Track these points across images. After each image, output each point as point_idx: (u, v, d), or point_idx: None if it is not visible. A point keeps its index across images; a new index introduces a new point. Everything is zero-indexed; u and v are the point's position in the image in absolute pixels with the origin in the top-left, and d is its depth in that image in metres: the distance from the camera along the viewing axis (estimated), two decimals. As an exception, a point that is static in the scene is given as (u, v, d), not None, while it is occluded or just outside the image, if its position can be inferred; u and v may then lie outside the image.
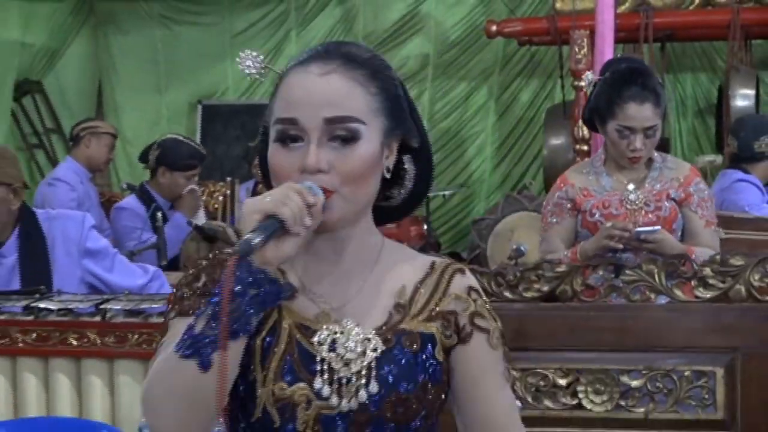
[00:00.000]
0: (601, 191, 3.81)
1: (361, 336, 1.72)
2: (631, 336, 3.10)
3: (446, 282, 1.81)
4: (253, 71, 1.90)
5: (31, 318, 3.43)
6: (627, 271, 3.14)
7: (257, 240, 1.55)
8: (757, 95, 7.41)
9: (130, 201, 5.95)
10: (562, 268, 3.18)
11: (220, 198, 7.25)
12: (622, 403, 3.09)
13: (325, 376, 1.69)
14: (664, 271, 3.11)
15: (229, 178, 7.41)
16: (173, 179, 5.81)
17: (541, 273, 3.18)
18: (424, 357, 1.75)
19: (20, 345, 3.39)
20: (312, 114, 1.67)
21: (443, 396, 1.78)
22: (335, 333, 1.72)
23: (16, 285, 3.79)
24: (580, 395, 3.09)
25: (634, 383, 3.09)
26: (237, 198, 7.17)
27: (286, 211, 1.57)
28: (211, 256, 1.79)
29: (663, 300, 3.12)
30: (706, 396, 3.05)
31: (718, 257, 3.16)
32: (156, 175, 5.87)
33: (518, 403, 1.95)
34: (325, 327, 1.72)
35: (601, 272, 3.18)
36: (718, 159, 6.47)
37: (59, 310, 3.44)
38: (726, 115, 7.22)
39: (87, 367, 3.38)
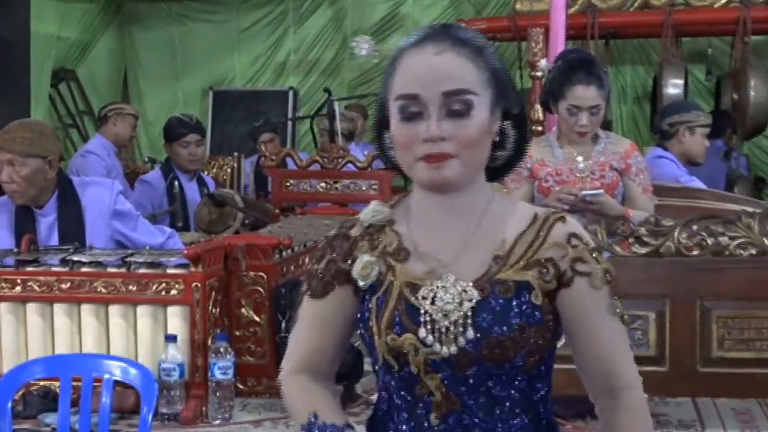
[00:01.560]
0: (555, 162, 3.85)
1: (459, 288, 1.70)
2: (578, 285, 3.11)
3: (546, 231, 1.74)
4: (364, 53, 1.88)
5: (66, 269, 3.43)
6: (574, 231, 3.16)
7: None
8: (686, 84, 7.43)
9: (153, 175, 5.95)
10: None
11: (228, 170, 7.27)
12: (570, 342, 3.11)
13: (428, 327, 1.68)
14: (606, 230, 3.12)
15: (236, 153, 7.43)
16: (173, 150, 5.81)
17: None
18: (518, 302, 1.69)
19: (56, 292, 3.39)
20: (432, 88, 1.66)
21: (549, 335, 1.73)
22: (437, 288, 1.71)
23: (54, 241, 3.79)
24: (534, 335, 3.10)
25: (580, 325, 3.10)
26: (243, 170, 7.18)
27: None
28: (336, 234, 1.83)
29: (605, 255, 3.13)
30: (641, 336, 3.07)
31: (652, 219, 3.18)
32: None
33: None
34: (429, 283, 1.71)
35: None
36: None
37: (90, 262, 3.44)
38: (659, 101, 7.27)
39: (113, 312, 3.39)
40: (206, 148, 7.32)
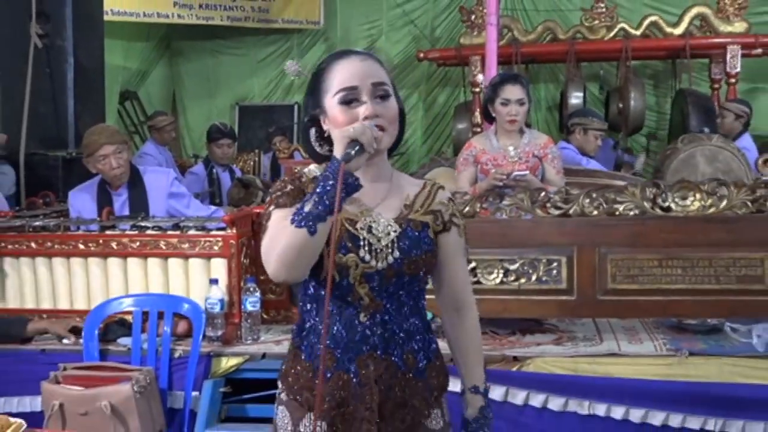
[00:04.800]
0: (492, 150, 3.86)
1: (386, 222, 1.78)
2: (509, 238, 3.12)
3: (434, 193, 1.87)
4: (293, 75, 1.94)
5: (135, 232, 3.42)
6: (507, 199, 3.17)
7: (352, 152, 1.61)
8: (584, 97, 7.45)
9: (198, 167, 6.02)
10: (467, 197, 3.20)
11: (251, 163, 7.26)
12: (504, 279, 3.11)
13: (366, 248, 1.75)
14: (530, 198, 3.14)
15: (256, 150, 7.42)
16: (210, 148, 5.90)
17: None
18: (423, 235, 1.80)
19: (129, 249, 3.39)
20: (365, 81, 1.74)
21: (434, 261, 1.83)
22: (371, 222, 1.77)
23: (126, 212, 3.78)
24: (478, 275, 3.11)
25: (512, 267, 3.11)
26: (262, 162, 7.17)
27: (364, 138, 1.64)
28: (291, 174, 1.84)
29: (529, 216, 3.14)
30: (555, 273, 3.08)
31: (563, 190, 3.19)
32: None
33: None
34: (363, 219, 1.78)
35: (491, 199, 3.20)
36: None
37: (153, 227, 3.44)
38: (565, 109, 7.28)
39: (171, 263, 3.39)
40: (235, 148, 7.31)
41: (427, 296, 1.89)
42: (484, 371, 1.94)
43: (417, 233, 1.79)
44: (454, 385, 1.96)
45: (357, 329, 1.76)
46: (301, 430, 1.79)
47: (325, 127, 1.80)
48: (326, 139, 1.82)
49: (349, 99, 1.73)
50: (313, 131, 1.84)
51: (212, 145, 5.83)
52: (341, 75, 1.75)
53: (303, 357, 1.81)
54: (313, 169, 1.84)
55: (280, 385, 1.87)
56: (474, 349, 1.93)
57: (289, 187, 1.77)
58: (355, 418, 1.75)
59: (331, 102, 1.76)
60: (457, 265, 1.88)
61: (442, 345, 1.94)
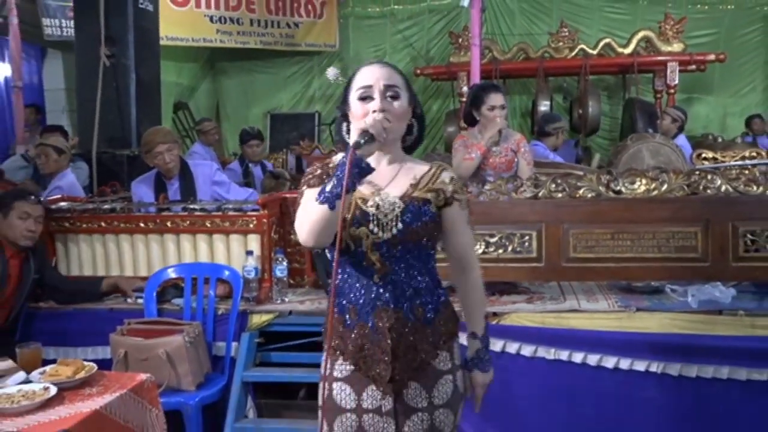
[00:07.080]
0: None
1: (392, 200, 1.77)
2: (491, 217, 3.09)
3: (438, 174, 1.83)
4: (333, 79, 1.97)
5: (186, 213, 3.41)
6: (488, 185, 3.15)
7: (361, 141, 1.64)
8: (551, 106, 7.40)
9: (234, 164, 5.98)
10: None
11: (281, 160, 7.22)
12: (486, 250, 3.09)
13: (375, 222, 1.74)
14: (506, 183, 3.12)
15: (284, 149, 7.38)
16: (243, 149, 5.88)
17: (445, 186, 3.17)
18: (425, 209, 1.77)
19: (181, 227, 3.39)
20: (378, 82, 1.75)
21: (438, 230, 1.81)
22: (378, 201, 1.77)
23: (178, 197, 3.76)
24: (465, 246, 3.10)
25: (492, 240, 3.08)
26: (287, 161, 7.15)
27: (374, 129, 1.67)
28: (321, 161, 1.84)
29: (506, 198, 3.12)
30: (527, 245, 3.06)
31: (533, 176, 3.16)
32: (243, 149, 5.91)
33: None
34: (372, 198, 1.77)
35: (475, 184, 3.18)
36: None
37: (200, 209, 3.43)
38: (535, 115, 7.24)
39: (215, 238, 3.38)
40: (266, 147, 7.27)
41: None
42: (486, 323, 1.91)
43: (418, 208, 1.77)
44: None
45: (372, 289, 1.76)
46: (336, 369, 1.80)
47: (351, 120, 1.82)
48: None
49: (365, 96, 1.75)
50: (344, 125, 1.85)
51: (244, 146, 5.84)
52: (362, 77, 1.78)
53: (336, 312, 1.81)
54: (340, 156, 1.84)
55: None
56: (475, 302, 1.90)
57: (319, 171, 1.79)
58: (374, 360, 1.76)
59: (353, 99, 1.78)
60: (459, 233, 1.83)
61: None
